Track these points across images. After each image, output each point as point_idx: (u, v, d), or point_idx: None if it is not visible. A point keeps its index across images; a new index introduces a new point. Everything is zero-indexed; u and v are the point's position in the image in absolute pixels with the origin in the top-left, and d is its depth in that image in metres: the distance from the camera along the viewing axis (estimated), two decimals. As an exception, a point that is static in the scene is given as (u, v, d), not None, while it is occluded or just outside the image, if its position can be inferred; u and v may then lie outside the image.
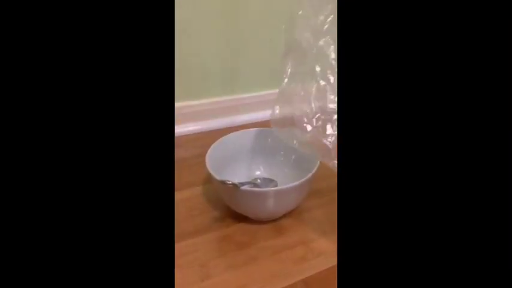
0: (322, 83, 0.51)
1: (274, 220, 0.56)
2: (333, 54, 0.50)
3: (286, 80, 0.53)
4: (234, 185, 0.48)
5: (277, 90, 0.71)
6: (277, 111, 0.54)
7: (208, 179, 0.65)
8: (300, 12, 0.51)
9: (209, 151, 0.57)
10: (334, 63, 0.50)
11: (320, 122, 0.50)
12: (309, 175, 0.51)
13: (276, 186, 0.59)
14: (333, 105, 0.50)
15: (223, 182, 0.49)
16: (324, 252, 0.51)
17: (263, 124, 0.87)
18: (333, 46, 0.50)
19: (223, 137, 0.61)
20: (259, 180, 0.61)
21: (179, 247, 0.52)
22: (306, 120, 0.51)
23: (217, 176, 0.51)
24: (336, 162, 0.48)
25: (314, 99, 0.51)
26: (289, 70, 0.53)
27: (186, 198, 0.62)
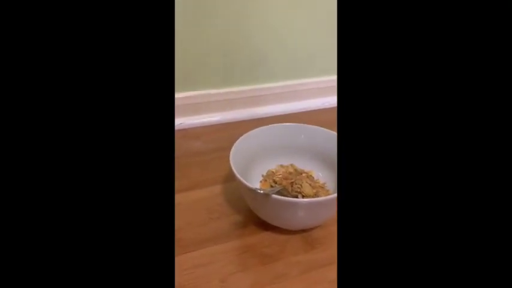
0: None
1: (304, 230, 0.50)
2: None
3: None
4: (265, 194, 0.41)
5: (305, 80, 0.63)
6: None
7: (230, 177, 0.58)
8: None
9: (233, 148, 0.50)
10: None
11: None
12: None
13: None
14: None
15: (252, 191, 0.42)
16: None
17: (287, 117, 0.80)
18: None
19: (248, 133, 0.54)
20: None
21: (196, 256, 0.46)
22: None
23: (244, 180, 0.44)
24: None
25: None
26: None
27: (204, 199, 0.55)
